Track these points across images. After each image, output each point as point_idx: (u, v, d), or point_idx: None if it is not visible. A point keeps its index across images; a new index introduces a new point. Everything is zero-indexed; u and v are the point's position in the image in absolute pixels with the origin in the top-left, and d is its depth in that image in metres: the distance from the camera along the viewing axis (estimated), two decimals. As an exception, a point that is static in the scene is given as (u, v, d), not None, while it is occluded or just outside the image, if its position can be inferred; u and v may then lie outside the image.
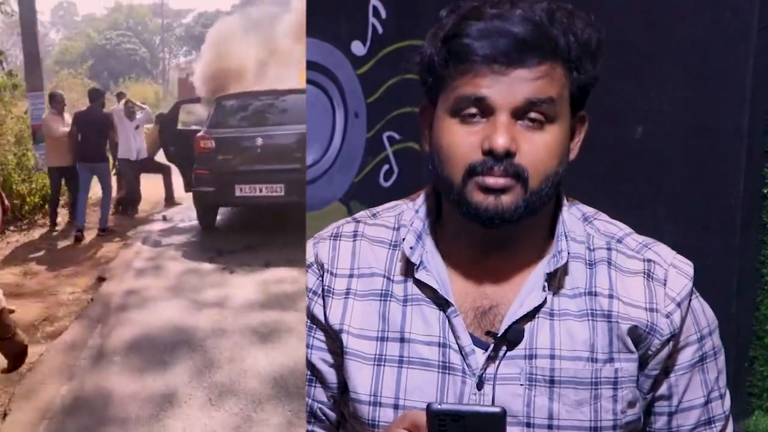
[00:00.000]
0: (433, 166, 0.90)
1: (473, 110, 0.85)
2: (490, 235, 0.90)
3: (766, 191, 2.67)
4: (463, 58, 0.84)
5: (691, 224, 2.59)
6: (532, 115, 0.84)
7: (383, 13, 3.19)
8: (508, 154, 0.83)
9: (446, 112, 0.87)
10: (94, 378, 3.69)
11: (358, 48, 3.24)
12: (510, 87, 0.83)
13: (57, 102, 7.86)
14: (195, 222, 7.95)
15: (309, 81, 3.34)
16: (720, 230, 2.61)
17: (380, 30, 3.20)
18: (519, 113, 0.84)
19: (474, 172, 0.84)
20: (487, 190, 0.84)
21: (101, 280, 5.68)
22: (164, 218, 8.67)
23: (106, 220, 7.58)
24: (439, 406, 0.80)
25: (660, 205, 2.64)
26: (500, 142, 0.82)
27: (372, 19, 3.21)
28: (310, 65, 3.31)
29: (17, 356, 1.52)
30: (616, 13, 2.52)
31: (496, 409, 0.80)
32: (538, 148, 0.84)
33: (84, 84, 21.95)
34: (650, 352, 0.90)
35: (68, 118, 7.88)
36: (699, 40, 2.55)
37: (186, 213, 8.71)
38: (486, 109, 0.84)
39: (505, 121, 0.83)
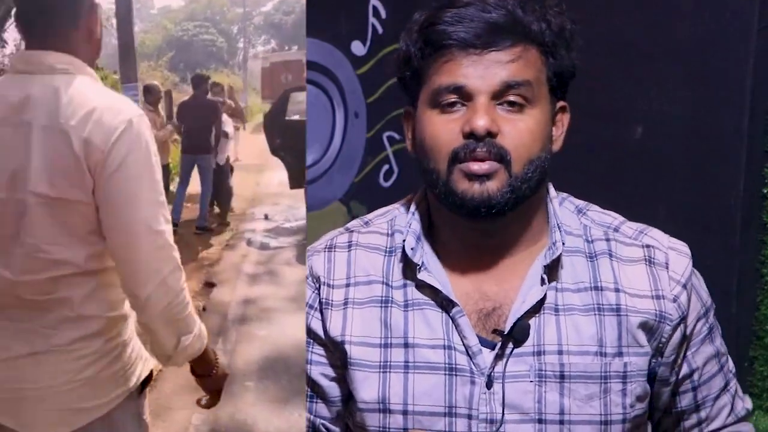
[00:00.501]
0: (419, 163, 0.91)
1: (453, 99, 0.86)
2: (481, 231, 0.90)
3: (766, 191, 2.67)
4: (438, 44, 0.86)
5: (691, 224, 2.59)
6: (511, 98, 0.85)
7: (383, 13, 3.19)
8: (490, 135, 0.84)
9: (426, 104, 0.89)
10: (228, 408, 3.15)
11: (358, 48, 3.24)
12: (486, 71, 0.85)
13: (152, 95, 6.93)
14: (302, 222, 7.28)
15: (309, 81, 3.34)
16: (720, 230, 2.61)
17: (380, 30, 3.20)
18: (497, 96, 0.85)
19: (457, 158, 0.85)
20: (472, 176, 0.85)
21: (209, 285, 5.20)
22: (266, 217, 7.91)
23: (204, 218, 6.82)
24: None
25: (660, 205, 2.64)
26: (480, 123, 0.84)
27: (372, 19, 3.21)
28: (310, 65, 3.31)
29: (219, 390, 1.44)
30: (616, 13, 2.51)
31: None
32: (520, 132, 0.85)
33: (164, 76, 21.53)
34: (664, 340, 0.91)
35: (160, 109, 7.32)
36: (699, 40, 2.55)
37: (290, 212, 8.06)
38: (465, 96, 0.86)
39: (485, 103, 0.85)
